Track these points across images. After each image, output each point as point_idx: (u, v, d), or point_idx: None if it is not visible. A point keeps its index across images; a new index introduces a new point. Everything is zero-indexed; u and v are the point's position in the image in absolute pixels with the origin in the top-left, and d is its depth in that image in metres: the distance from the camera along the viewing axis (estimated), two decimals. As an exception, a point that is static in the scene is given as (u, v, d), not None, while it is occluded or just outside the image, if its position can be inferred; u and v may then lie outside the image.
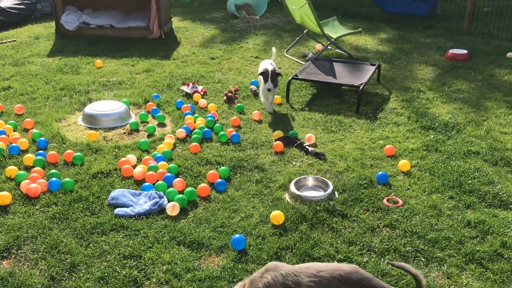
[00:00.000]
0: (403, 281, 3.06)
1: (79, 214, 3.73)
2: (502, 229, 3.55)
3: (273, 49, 6.82)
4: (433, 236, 3.50)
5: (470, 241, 3.45)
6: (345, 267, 2.48)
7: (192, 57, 7.89)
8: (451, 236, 3.50)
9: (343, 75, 6.39)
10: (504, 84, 6.47)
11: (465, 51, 7.52)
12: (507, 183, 4.16)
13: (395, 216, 3.76)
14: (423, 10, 9.68)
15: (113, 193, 3.97)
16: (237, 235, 3.45)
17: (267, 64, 5.86)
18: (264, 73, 5.65)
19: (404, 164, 4.44)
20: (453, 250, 3.37)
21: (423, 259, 3.30)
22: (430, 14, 9.75)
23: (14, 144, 4.71)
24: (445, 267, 3.22)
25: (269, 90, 5.61)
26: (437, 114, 5.59)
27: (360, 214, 3.80)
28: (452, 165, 4.45)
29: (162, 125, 5.52)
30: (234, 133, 5.14)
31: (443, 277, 3.15)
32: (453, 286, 3.05)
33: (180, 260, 3.27)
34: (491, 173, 4.31)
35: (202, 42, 8.77)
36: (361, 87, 5.85)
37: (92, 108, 5.56)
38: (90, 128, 5.35)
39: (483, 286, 3.06)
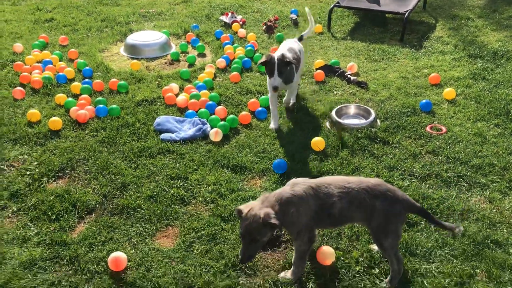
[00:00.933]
0: (444, 204, 3.08)
1: (126, 139, 3.88)
2: (549, 157, 3.47)
3: (307, 9, 4.73)
4: (477, 162, 3.47)
5: (515, 168, 3.40)
6: (371, 179, 2.50)
7: (230, -13, 7.70)
8: (495, 162, 3.46)
9: (387, 2, 6.12)
10: (562, 9, 6.06)
11: (520, -25, 7.00)
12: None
13: (437, 143, 3.72)
14: None
15: (158, 119, 4.09)
16: (278, 160, 3.52)
17: (284, 47, 4.07)
18: (267, 63, 3.69)
19: (449, 92, 4.33)
20: (497, 176, 3.34)
21: (465, 184, 3.29)
22: None
23: (61, 73, 4.85)
24: (488, 192, 3.21)
25: (275, 89, 3.77)
26: (486, 42, 5.34)
27: (402, 141, 3.78)
28: (500, 93, 4.30)
29: (202, 55, 5.53)
30: (274, 62, 5.09)
31: (485, 201, 3.15)
32: (495, 210, 3.06)
33: (224, 181, 3.39)
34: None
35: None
36: (406, 15, 5.61)
37: (133, 38, 5.61)
38: (133, 58, 5.42)
39: (526, 211, 3.05)
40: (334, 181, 2.50)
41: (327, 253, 2.67)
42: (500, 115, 4.01)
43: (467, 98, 4.32)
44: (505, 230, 2.90)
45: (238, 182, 3.39)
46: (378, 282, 2.55)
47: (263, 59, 3.76)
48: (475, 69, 4.79)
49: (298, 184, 2.49)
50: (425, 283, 2.53)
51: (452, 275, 2.57)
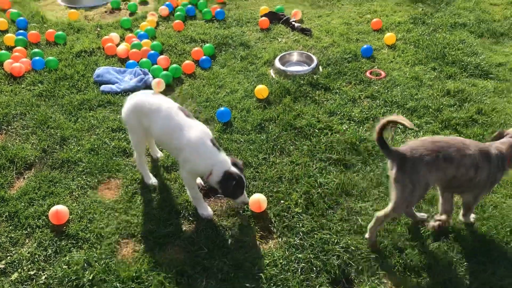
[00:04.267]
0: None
1: (65, 92, 3.77)
2: (479, 97, 3.65)
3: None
4: (412, 104, 3.60)
5: (447, 109, 3.56)
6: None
7: None
8: (430, 104, 3.60)
9: None
10: (501, -47, 6.17)
11: None
12: (490, 53, 4.18)
13: (376, 87, 3.83)
14: None
15: (98, 71, 3.98)
16: (222, 108, 3.53)
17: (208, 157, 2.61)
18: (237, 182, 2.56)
19: (389, 37, 4.41)
20: (431, 117, 3.49)
21: (400, 127, 3.43)
22: None
23: (-8, 25, 4.59)
24: (421, 133, 3.36)
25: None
26: (427, -14, 5.42)
27: (343, 86, 3.86)
28: (438, 37, 4.43)
29: (144, 2, 5.35)
30: (218, 9, 5.00)
31: (418, 142, 3.30)
32: (426, 150, 3.22)
33: (167, 132, 3.37)
34: (475, 44, 4.31)
35: None
36: (351, -41, 5.57)
37: (70, -15, 5.33)
38: (70, 8, 5.17)
39: (455, 149, 3.22)
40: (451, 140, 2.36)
41: (259, 200, 2.75)
42: (437, 59, 4.15)
43: (406, 42, 4.42)
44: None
45: (181, 132, 3.38)
46: (315, 221, 2.67)
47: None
48: (416, 13, 4.88)
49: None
50: (360, 220, 2.67)
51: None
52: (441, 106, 3.58)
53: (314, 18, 4.94)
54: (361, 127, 3.43)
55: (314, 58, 4.15)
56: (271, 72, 4.10)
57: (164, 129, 2.64)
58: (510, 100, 3.63)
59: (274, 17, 4.91)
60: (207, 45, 4.36)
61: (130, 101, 2.78)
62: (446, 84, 3.81)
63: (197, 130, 2.59)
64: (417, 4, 5.05)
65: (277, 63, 4.10)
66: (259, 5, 5.17)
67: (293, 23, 4.78)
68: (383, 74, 3.99)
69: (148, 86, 3.86)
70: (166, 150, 3.05)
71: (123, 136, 3.33)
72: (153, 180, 2.94)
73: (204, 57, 4.22)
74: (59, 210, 2.65)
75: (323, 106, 3.65)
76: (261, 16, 4.90)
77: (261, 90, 3.73)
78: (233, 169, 2.56)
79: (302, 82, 3.89)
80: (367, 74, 4.00)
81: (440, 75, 3.96)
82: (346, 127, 3.40)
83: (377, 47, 4.36)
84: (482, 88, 3.75)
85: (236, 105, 3.67)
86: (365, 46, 4.27)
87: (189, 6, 5.06)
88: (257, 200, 2.72)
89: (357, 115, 3.53)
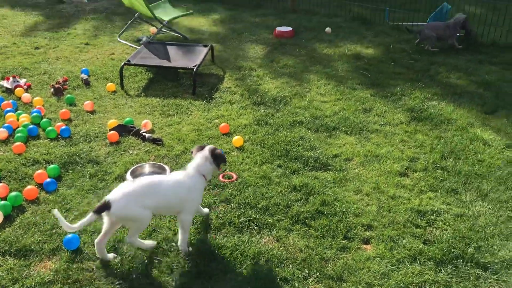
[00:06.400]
0: (237, 251, 3.24)
1: None
2: (322, 189, 3.95)
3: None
4: (264, 204, 3.76)
5: (295, 204, 3.78)
6: None
7: (13, 48, 7.19)
8: (280, 201, 3.79)
9: (177, 58, 6.40)
10: (324, 57, 7.11)
11: (290, 28, 8.06)
12: (326, 146, 4.63)
13: (230, 190, 3.93)
14: (252, -10, 10.09)
15: None
16: (69, 235, 3.29)
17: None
18: None
19: (237, 140, 4.65)
20: (282, 215, 3.66)
21: (255, 227, 3.53)
22: (259, -7, 10.20)
23: None
24: (275, 231, 3.49)
25: None
26: (266, 90, 5.94)
27: (197, 193, 3.89)
28: (280, 135, 4.79)
29: (-22, 126, 4.95)
30: (64, 127, 4.84)
31: (273, 241, 3.41)
32: (282, 248, 3.33)
33: (6, 272, 3.02)
34: (312, 139, 4.74)
35: (23, 30, 8.02)
36: (194, 69, 5.93)
37: None
38: None
39: (307, 243, 3.39)
40: None
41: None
42: (281, 156, 4.45)
43: (253, 143, 4.70)
44: (290, 266, 3.17)
45: (22, 269, 3.05)
46: None
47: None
48: (258, 115, 5.26)
49: None
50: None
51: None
52: (289, 202, 3.79)
53: (164, 127, 5.04)
54: (218, 233, 3.44)
55: (167, 167, 4.17)
56: (124, 187, 3.99)
57: None
58: (348, 188, 4.00)
59: (124, 129, 4.89)
60: (52, 166, 4.14)
61: None
62: (292, 180, 4.08)
63: None
64: (259, 107, 5.48)
65: (128, 177, 4.02)
66: (108, 119, 5.13)
67: (143, 134, 4.81)
68: (234, 176, 4.14)
69: (-19, 221, 3.46)
70: None
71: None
72: None
73: (48, 179, 3.98)
74: None
75: (179, 216, 3.61)
76: (110, 130, 4.85)
77: (113, 209, 3.58)
78: None
79: (155, 194, 3.84)
80: (220, 178, 4.11)
81: (285, 171, 4.23)
82: (203, 236, 3.39)
83: (227, 150, 4.56)
84: (323, 180, 4.08)
85: (86, 229, 3.45)
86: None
87: (31, 126, 4.82)
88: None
89: (213, 221, 3.55)
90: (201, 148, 3.35)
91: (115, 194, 2.97)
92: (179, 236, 3.23)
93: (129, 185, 3.04)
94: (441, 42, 7.31)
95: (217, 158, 3.28)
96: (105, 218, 3.03)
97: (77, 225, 2.94)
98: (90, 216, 2.93)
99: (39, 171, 4.05)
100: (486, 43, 7.46)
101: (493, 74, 6.45)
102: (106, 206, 2.91)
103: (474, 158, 4.45)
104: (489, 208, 3.78)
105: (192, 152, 3.39)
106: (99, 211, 2.92)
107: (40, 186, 3.95)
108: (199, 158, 3.27)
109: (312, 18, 8.91)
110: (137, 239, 3.17)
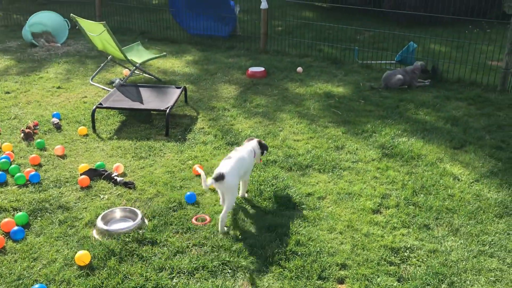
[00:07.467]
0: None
1: None
2: (296, 229, 3.94)
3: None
4: (238, 246, 3.71)
5: (270, 245, 3.75)
6: None
7: (-18, 93, 7.09)
8: (254, 243, 3.76)
9: (149, 100, 6.42)
10: (296, 96, 7.24)
11: (262, 69, 8.21)
12: (299, 185, 4.64)
13: (203, 233, 3.89)
14: (225, 32, 10.30)
15: None
16: (37, 285, 3.18)
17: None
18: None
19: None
20: (256, 256, 3.62)
21: (229, 271, 3.47)
22: (232, 35, 10.42)
23: None
24: (249, 274, 3.43)
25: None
26: (240, 130, 5.98)
27: (170, 237, 3.84)
28: (253, 175, 4.79)
29: None
30: (33, 172, 4.75)
31: (248, 284, 3.36)
32: (256, 291, 3.28)
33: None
34: (286, 178, 4.76)
35: (-7, 75, 7.94)
36: (167, 111, 5.95)
37: None
38: None
39: (282, 285, 3.35)
40: None
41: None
42: (255, 196, 4.44)
43: (227, 184, 4.68)
44: (265, 309, 3.11)
45: (-16, 325, 2.92)
46: None
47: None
48: (232, 155, 5.26)
49: None
50: None
51: None
52: (264, 243, 3.76)
53: (137, 170, 4.99)
54: (192, 278, 3.37)
55: (138, 212, 4.11)
56: (94, 233, 3.91)
57: None
58: (322, 227, 4.00)
59: (95, 173, 4.83)
60: (20, 213, 4.04)
61: None
62: (267, 220, 4.06)
63: None
64: (233, 146, 5.49)
65: (99, 223, 3.94)
66: (79, 163, 5.06)
67: (115, 177, 4.75)
68: (208, 219, 4.10)
69: None
70: None
71: None
72: None
73: (16, 227, 3.86)
74: None
75: (151, 262, 3.54)
76: (81, 174, 4.78)
77: (82, 257, 3.50)
78: None
79: (127, 239, 3.77)
80: (193, 220, 4.06)
81: (259, 212, 4.21)
82: (176, 281, 3.32)
83: (201, 192, 4.53)
84: (297, 220, 4.07)
85: (55, 278, 3.35)
86: (188, 193, 4.40)
87: (0, 172, 4.72)
88: None
89: (186, 266, 3.49)
90: (251, 139, 4.45)
91: (225, 167, 3.85)
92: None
93: (231, 161, 3.94)
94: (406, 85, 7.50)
95: (263, 147, 4.39)
96: (218, 188, 3.97)
97: (207, 184, 3.84)
98: (210, 180, 3.80)
99: (6, 219, 3.94)
100: (452, 80, 7.72)
101: (460, 109, 6.65)
102: (221, 176, 3.75)
103: (444, 193, 4.52)
104: (461, 242, 3.83)
105: (244, 143, 4.46)
106: (217, 179, 3.76)
107: (7, 234, 3.83)
108: (252, 143, 4.35)
109: (283, 58, 9.10)
110: (225, 219, 3.91)
